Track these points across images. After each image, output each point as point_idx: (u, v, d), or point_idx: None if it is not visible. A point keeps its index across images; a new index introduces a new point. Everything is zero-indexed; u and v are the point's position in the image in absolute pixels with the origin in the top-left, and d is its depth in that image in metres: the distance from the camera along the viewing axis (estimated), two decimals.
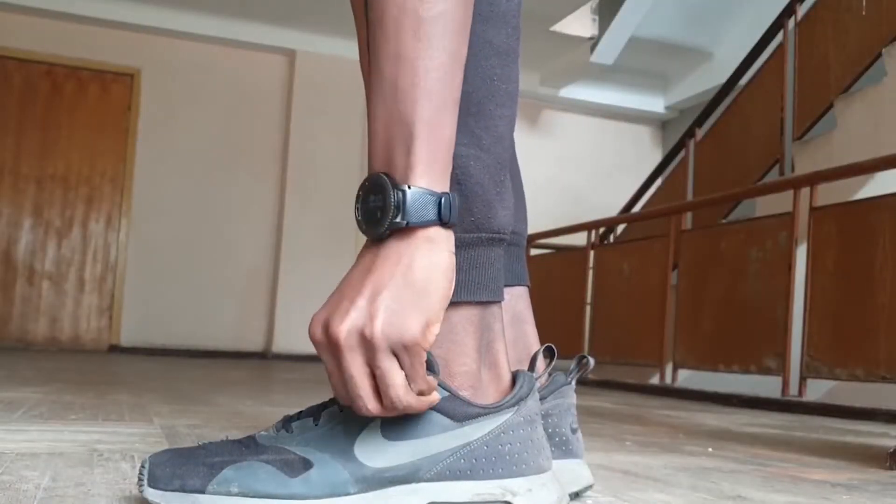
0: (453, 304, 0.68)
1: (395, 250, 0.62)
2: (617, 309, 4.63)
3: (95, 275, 5.83)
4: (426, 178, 0.62)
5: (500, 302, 0.73)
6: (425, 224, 0.62)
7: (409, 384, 0.62)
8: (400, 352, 0.61)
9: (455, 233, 0.68)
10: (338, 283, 0.67)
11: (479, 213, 0.69)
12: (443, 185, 0.63)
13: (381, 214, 0.62)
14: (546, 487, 0.70)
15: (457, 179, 0.68)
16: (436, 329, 0.62)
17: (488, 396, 0.70)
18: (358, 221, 0.64)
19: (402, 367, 0.62)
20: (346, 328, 0.61)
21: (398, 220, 0.61)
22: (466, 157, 0.69)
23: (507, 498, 0.67)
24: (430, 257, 0.62)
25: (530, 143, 7.07)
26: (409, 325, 0.61)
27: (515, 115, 0.75)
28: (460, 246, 0.68)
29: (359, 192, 0.64)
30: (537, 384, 0.74)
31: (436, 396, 0.64)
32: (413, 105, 0.62)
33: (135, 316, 5.85)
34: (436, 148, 0.63)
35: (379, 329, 0.61)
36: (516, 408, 0.70)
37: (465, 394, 0.68)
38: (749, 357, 3.60)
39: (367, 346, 0.61)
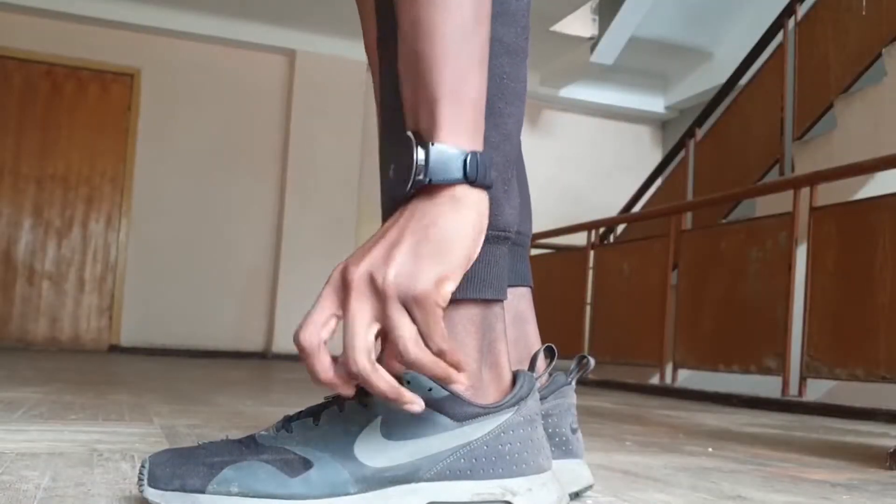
0: (456, 301, 0.68)
1: (420, 208, 0.62)
2: (617, 309, 4.63)
3: (95, 275, 5.83)
4: (453, 137, 0.62)
5: (502, 301, 0.73)
6: (450, 182, 0.62)
7: (426, 342, 0.60)
8: (411, 305, 0.60)
9: None
10: None
11: None
12: (473, 145, 0.63)
13: (406, 172, 0.62)
14: (546, 487, 0.70)
15: None
16: (451, 286, 0.61)
17: (489, 396, 0.70)
18: (390, 182, 0.64)
19: (414, 322, 0.60)
20: (360, 271, 0.61)
21: (421, 177, 0.61)
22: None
23: (508, 498, 0.67)
24: (454, 216, 0.62)
25: (530, 143, 7.06)
26: (422, 276, 0.60)
27: (523, 115, 0.75)
28: None
29: (385, 151, 0.64)
30: (537, 384, 0.74)
31: (459, 361, 0.61)
32: (433, 68, 0.62)
33: (135, 316, 5.85)
34: (461, 108, 0.63)
35: (391, 276, 0.60)
36: (516, 408, 0.70)
37: (465, 394, 0.68)
38: (749, 357, 3.60)
39: (378, 293, 0.60)
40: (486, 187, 0.64)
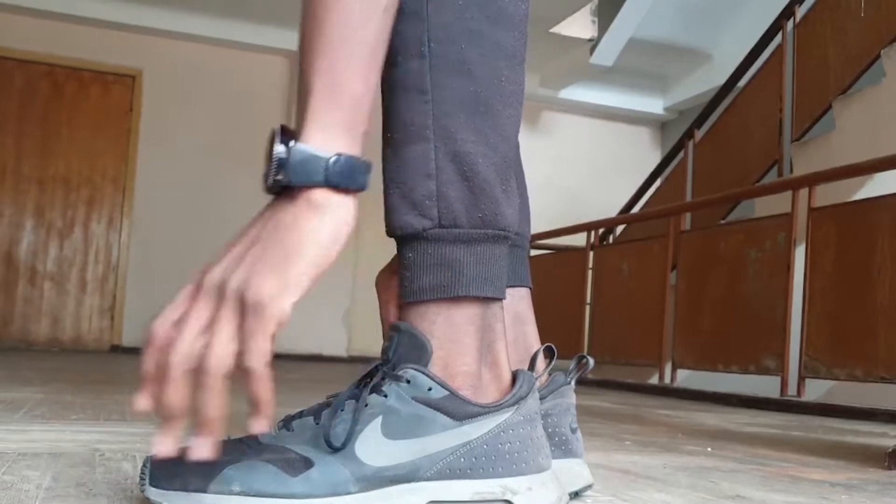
0: (456, 300, 0.69)
1: (279, 209, 0.61)
2: (616, 309, 4.63)
3: (97, 275, 5.83)
4: (321, 134, 0.60)
5: (502, 300, 0.73)
6: (310, 185, 0.60)
7: (243, 350, 0.58)
8: (245, 310, 0.58)
9: (462, 227, 0.68)
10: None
11: (486, 210, 0.69)
12: (348, 146, 0.61)
13: (267, 170, 0.60)
14: (546, 486, 0.70)
15: (464, 175, 0.68)
16: (289, 300, 0.58)
17: (488, 396, 0.71)
18: (263, 175, 0.62)
19: (241, 329, 0.58)
20: (213, 274, 0.61)
21: (280, 177, 0.59)
22: (474, 153, 0.69)
23: (507, 497, 0.68)
24: (308, 222, 0.60)
25: (530, 143, 7.06)
26: (262, 283, 0.58)
27: (521, 117, 0.75)
28: (467, 241, 0.69)
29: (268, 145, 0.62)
30: (537, 384, 0.75)
31: (265, 399, 0.60)
32: (312, 57, 0.60)
33: (136, 316, 5.86)
34: (338, 103, 0.60)
35: (235, 279, 0.59)
36: (516, 407, 0.70)
37: (465, 393, 0.69)
38: (748, 357, 3.60)
39: (220, 292, 0.59)
40: (353, 192, 0.61)
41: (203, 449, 0.59)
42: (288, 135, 0.60)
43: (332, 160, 0.60)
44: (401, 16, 0.68)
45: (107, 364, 3.98)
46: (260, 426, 0.61)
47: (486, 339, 0.71)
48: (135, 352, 5.71)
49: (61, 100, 5.83)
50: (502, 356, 0.73)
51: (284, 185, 0.60)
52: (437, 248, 0.69)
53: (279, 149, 0.59)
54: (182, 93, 6.08)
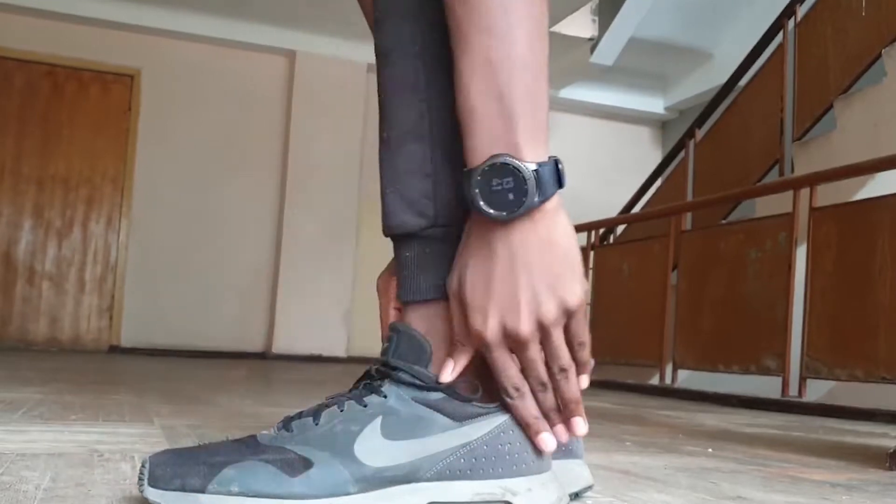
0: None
1: (533, 230, 0.62)
2: (617, 309, 4.62)
3: (96, 275, 5.83)
4: (539, 149, 0.62)
5: None
6: (551, 196, 0.63)
7: (579, 343, 0.65)
8: (568, 320, 0.63)
9: (458, 226, 0.68)
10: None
11: None
12: (548, 151, 0.63)
13: (516, 196, 0.61)
14: (546, 487, 0.70)
15: (460, 175, 0.68)
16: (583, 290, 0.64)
17: (488, 396, 0.71)
18: (479, 208, 0.62)
19: (569, 332, 0.64)
20: (528, 322, 0.62)
21: (536, 199, 0.61)
22: None
23: (508, 498, 0.67)
24: (563, 225, 0.64)
25: None
26: (572, 293, 0.63)
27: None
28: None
29: (472, 177, 0.62)
30: None
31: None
32: (510, 78, 0.61)
33: (135, 316, 5.85)
34: (540, 119, 0.62)
35: (553, 312, 0.62)
36: None
37: (464, 394, 0.69)
38: (749, 357, 3.60)
39: (545, 331, 0.62)
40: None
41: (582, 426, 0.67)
42: (516, 160, 0.61)
43: (559, 166, 0.63)
44: (396, 16, 0.68)
45: (105, 364, 3.98)
46: (583, 428, 0.68)
47: None
48: (133, 352, 5.71)
49: (61, 99, 5.83)
50: None
51: (530, 208, 0.61)
52: (433, 247, 0.69)
53: (527, 173, 0.61)
54: (181, 92, 6.07)
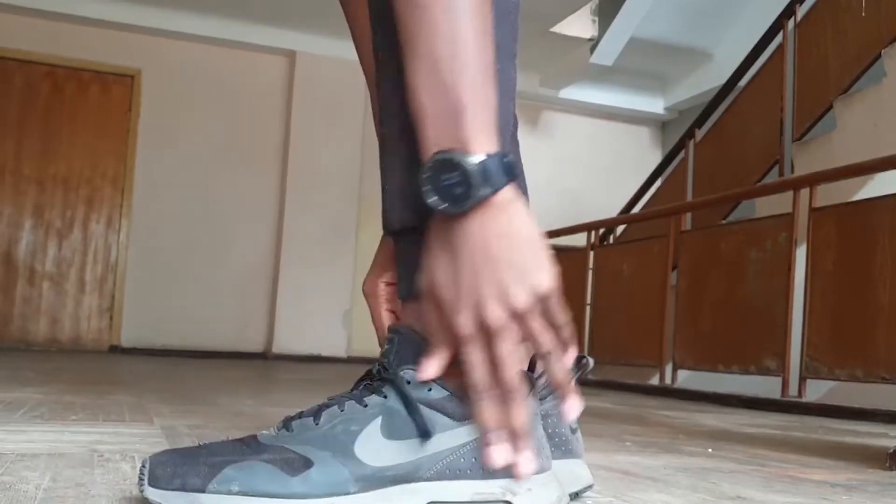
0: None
1: (491, 221, 0.62)
2: (617, 309, 4.62)
3: (96, 275, 5.83)
4: (488, 142, 0.62)
5: None
6: (502, 187, 0.62)
7: (558, 327, 0.64)
8: (544, 306, 0.62)
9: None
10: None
11: None
12: (500, 145, 0.63)
13: (463, 189, 0.61)
14: (546, 487, 0.70)
15: None
16: (552, 276, 0.64)
17: None
18: (431, 202, 0.62)
19: (546, 317, 0.63)
20: (498, 311, 0.61)
21: (483, 191, 0.61)
22: None
23: (507, 497, 0.67)
24: (521, 214, 0.63)
25: (530, 143, 7.06)
26: (539, 280, 0.62)
27: (510, 113, 0.75)
28: None
29: (423, 174, 0.63)
30: (537, 384, 0.75)
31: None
32: (456, 75, 0.62)
33: (135, 316, 5.85)
34: (487, 114, 0.63)
35: (523, 299, 0.61)
36: None
37: (465, 394, 0.69)
38: (748, 357, 3.60)
39: (521, 319, 0.62)
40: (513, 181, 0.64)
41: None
42: (462, 155, 0.61)
43: (507, 158, 0.62)
44: (391, 16, 0.68)
45: (106, 364, 3.98)
46: (577, 408, 0.66)
47: None
48: (133, 352, 5.71)
49: (61, 100, 5.83)
50: None
51: (479, 200, 0.61)
52: None
53: (472, 167, 0.61)
54: (181, 93, 6.07)
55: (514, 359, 0.62)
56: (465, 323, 0.62)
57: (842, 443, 1.95)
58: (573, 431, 0.84)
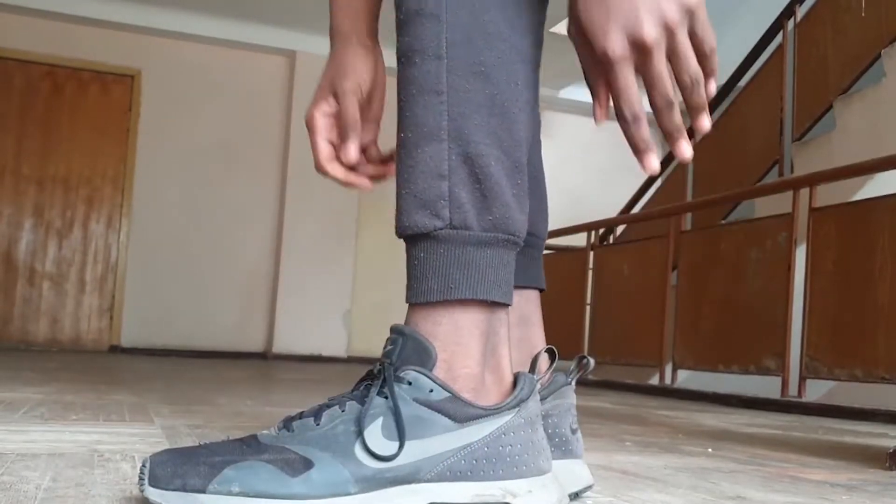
0: (463, 303, 0.69)
1: None
2: (617, 309, 4.62)
3: (96, 275, 5.83)
4: None
5: (508, 305, 0.73)
6: None
7: (710, 49, 0.66)
8: (692, 24, 0.64)
9: (473, 230, 0.69)
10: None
11: (497, 213, 0.69)
12: None
13: None
14: (546, 489, 0.70)
15: (477, 178, 0.69)
16: None
17: (490, 398, 0.71)
18: None
19: (696, 37, 0.65)
20: (651, 25, 0.63)
21: None
22: (487, 156, 0.69)
23: (508, 499, 0.68)
24: None
25: None
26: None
27: (533, 123, 0.75)
28: (477, 244, 0.69)
29: None
30: (538, 385, 0.75)
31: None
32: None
33: (135, 316, 5.86)
34: None
35: (675, 11, 0.63)
36: (517, 409, 0.70)
37: (466, 395, 0.69)
38: (748, 357, 3.60)
39: (671, 34, 0.64)
40: None
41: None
42: None
43: None
44: (419, 17, 0.68)
45: (106, 364, 3.98)
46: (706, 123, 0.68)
47: (490, 343, 0.71)
48: (133, 352, 5.71)
49: (61, 100, 5.83)
50: (505, 360, 0.73)
51: None
52: (447, 249, 0.69)
53: None
54: (181, 93, 6.07)
55: (666, 76, 0.65)
56: (616, 42, 0.64)
57: (842, 443, 1.95)
58: (573, 431, 0.84)
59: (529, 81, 0.73)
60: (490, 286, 0.70)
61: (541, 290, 0.90)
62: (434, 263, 0.69)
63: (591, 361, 0.84)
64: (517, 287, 0.80)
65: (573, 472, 0.83)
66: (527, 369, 0.79)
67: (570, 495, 0.81)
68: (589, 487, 0.86)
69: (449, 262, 0.69)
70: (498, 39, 0.70)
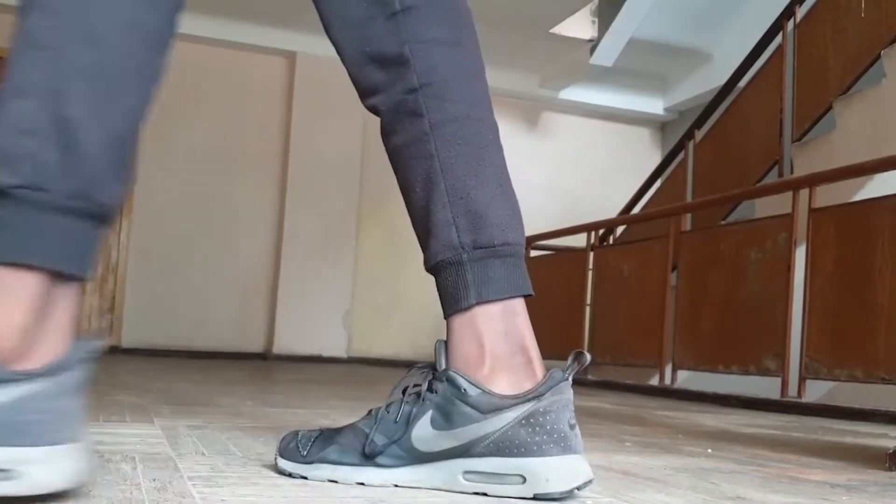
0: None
1: None
2: (616, 310, 4.63)
3: (96, 276, 5.84)
4: None
5: (82, 279, 0.73)
6: None
7: None
8: None
9: (50, 192, 0.67)
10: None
11: (85, 181, 0.69)
12: None
13: None
14: (65, 459, 0.68)
15: (65, 142, 0.68)
16: None
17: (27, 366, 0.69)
18: None
19: None
20: None
21: None
22: (80, 121, 0.69)
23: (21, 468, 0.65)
24: None
25: (530, 144, 7.06)
26: None
27: (150, 100, 0.76)
28: (55, 210, 0.68)
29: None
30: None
31: None
32: None
33: (136, 317, 5.86)
34: None
35: None
36: (51, 377, 0.68)
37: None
38: (748, 358, 3.60)
39: None
40: None
41: None
42: None
43: None
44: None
45: (106, 365, 3.98)
46: None
47: (45, 312, 0.69)
48: (133, 353, 5.71)
49: None
50: (59, 333, 0.71)
51: None
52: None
53: None
54: (181, 93, 6.07)
55: None
56: None
57: (842, 443, 1.95)
58: (571, 427, 0.84)
59: (144, 55, 0.73)
60: (58, 255, 0.68)
61: (527, 296, 0.89)
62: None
63: (588, 356, 0.85)
64: (502, 299, 0.82)
65: (572, 467, 0.83)
66: (521, 369, 0.83)
67: (570, 490, 0.82)
68: (589, 482, 0.86)
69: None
70: (114, 9, 0.70)
